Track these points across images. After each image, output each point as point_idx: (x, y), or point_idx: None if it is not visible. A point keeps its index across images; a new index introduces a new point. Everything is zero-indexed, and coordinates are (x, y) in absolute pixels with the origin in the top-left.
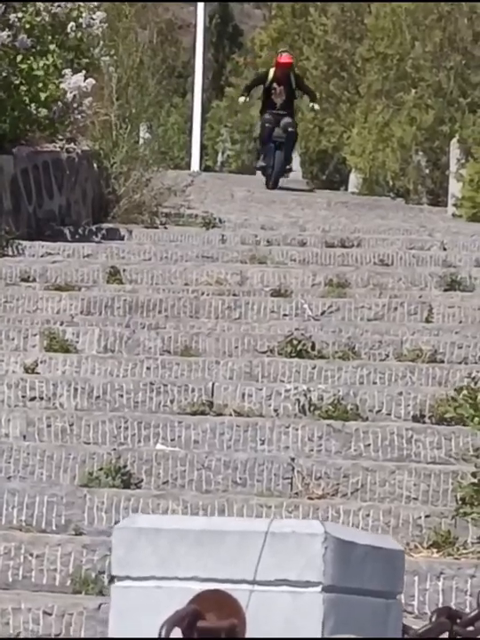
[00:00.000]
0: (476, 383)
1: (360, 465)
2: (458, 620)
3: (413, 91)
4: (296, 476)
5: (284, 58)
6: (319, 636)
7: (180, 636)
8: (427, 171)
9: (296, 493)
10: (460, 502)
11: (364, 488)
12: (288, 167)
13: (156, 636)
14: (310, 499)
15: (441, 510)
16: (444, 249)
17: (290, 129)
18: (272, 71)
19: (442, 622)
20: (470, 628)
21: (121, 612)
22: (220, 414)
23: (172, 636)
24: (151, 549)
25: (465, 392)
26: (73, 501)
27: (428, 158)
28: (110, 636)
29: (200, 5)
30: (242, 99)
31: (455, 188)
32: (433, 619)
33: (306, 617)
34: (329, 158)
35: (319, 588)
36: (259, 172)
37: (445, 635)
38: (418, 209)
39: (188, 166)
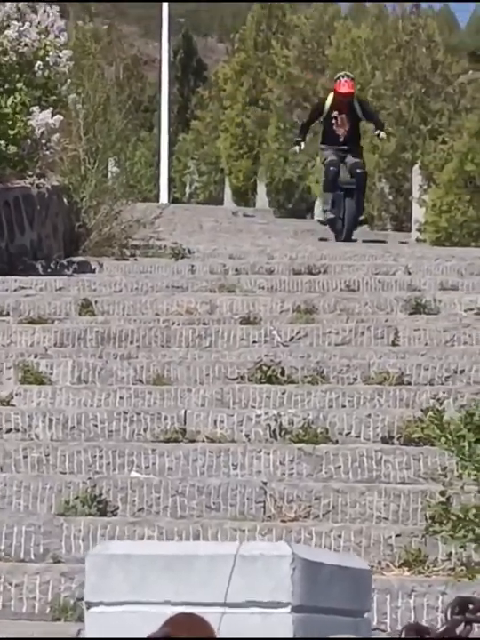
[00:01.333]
0: (441, 404)
1: (331, 487)
2: (426, 636)
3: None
4: (268, 499)
5: (344, 87)
6: None
7: None
8: (390, 197)
9: (269, 517)
10: (429, 521)
11: (336, 509)
12: (361, 218)
13: None
14: (283, 521)
15: (411, 529)
16: (409, 273)
17: (358, 170)
18: (330, 97)
19: (410, 639)
20: None
21: (96, 637)
22: (192, 441)
23: None
24: (123, 575)
25: (431, 413)
26: (50, 530)
27: (391, 185)
28: None
29: (164, 41)
30: (295, 148)
31: (418, 213)
32: (402, 635)
33: (276, 637)
34: (294, 187)
35: (288, 609)
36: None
37: None
38: (382, 234)
39: (157, 199)
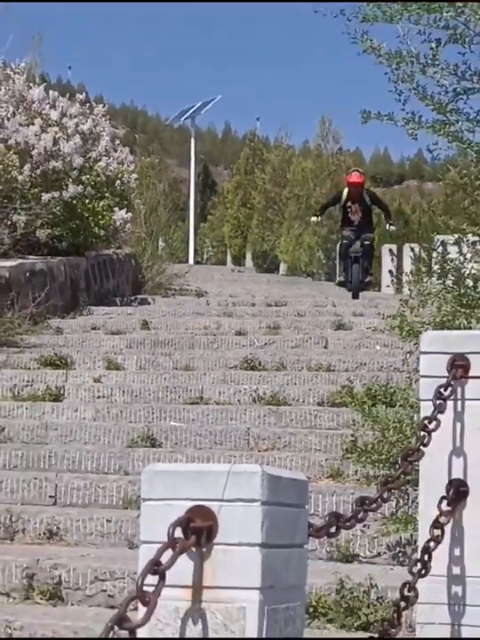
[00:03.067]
0: (352, 383)
1: (287, 431)
2: (340, 519)
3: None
4: (251, 438)
5: (354, 177)
6: (260, 526)
7: (181, 532)
8: (323, 261)
9: (251, 448)
10: (344, 451)
11: (290, 444)
12: (366, 280)
13: (168, 533)
14: (259, 451)
15: (334, 456)
16: (334, 305)
17: (366, 242)
18: (346, 191)
19: (331, 520)
20: (348, 524)
21: (147, 519)
22: (206, 403)
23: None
24: (163, 483)
25: (346, 388)
26: (122, 456)
27: (324, 254)
28: (141, 531)
29: (192, 168)
30: (314, 219)
31: (339, 270)
32: (326, 519)
33: (252, 519)
34: (268, 255)
35: (259, 503)
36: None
37: (334, 528)
38: (319, 283)
39: (187, 261)
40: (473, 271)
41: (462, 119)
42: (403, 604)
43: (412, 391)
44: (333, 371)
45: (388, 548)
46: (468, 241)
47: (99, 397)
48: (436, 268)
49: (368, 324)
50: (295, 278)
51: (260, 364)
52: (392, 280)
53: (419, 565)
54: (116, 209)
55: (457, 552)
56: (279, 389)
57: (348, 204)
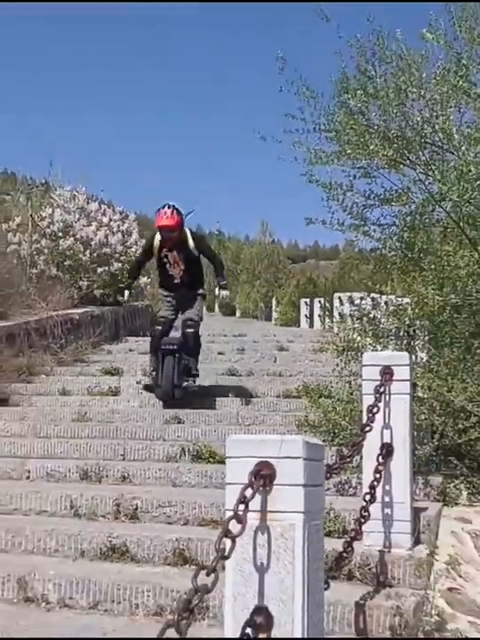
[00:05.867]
0: (306, 385)
1: (260, 413)
2: (331, 468)
3: (258, 281)
4: (239, 417)
5: (162, 219)
6: (302, 473)
7: (253, 477)
8: (264, 309)
9: (239, 424)
10: (297, 426)
11: (263, 421)
12: (187, 382)
13: (248, 478)
14: (245, 426)
15: (291, 429)
16: (274, 335)
17: (188, 330)
18: (158, 235)
19: (326, 469)
20: (335, 472)
21: (231, 469)
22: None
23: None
24: (240, 446)
25: (302, 386)
26: (162, 429)
27: (265, 304)
28: (227, 476)
29: None
30: (126, 293)
31: (274, 314)
32: (324, 468)
33: (297, 469)
34: (228, 305)
35: (302, 459)
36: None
37: (328, 474)
38: (261, 322)
39: None
40: (377, 316)
41: (369, 223)
42: (362, 520)
43: (340, 390)
44: (283, 376)
45: (333, 486)
46: (369, 296)
47: (141, 393)
48: (356, 313)
49: (298, 347)
50: (247, 319)
51: (237, 372)
52: (306, 321)
53: (369, 496)
54: (141, 277)
55: (387, 487)
56: (252, 387)
57: (164, 252)
